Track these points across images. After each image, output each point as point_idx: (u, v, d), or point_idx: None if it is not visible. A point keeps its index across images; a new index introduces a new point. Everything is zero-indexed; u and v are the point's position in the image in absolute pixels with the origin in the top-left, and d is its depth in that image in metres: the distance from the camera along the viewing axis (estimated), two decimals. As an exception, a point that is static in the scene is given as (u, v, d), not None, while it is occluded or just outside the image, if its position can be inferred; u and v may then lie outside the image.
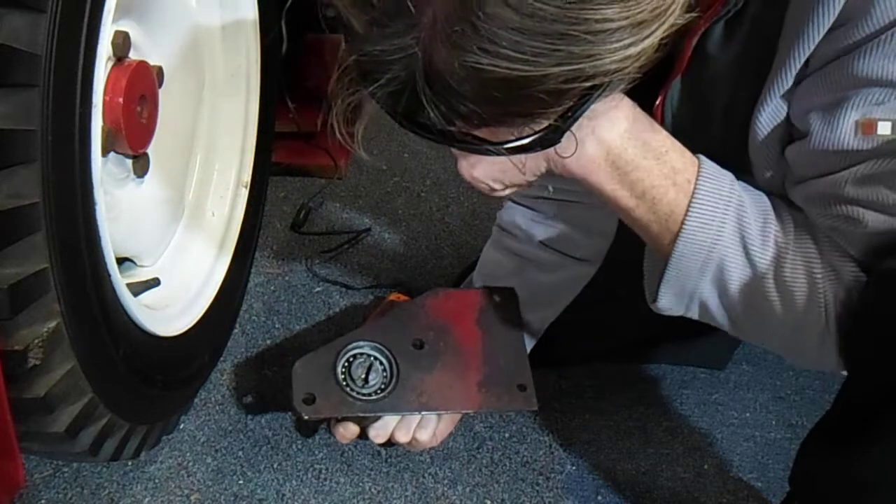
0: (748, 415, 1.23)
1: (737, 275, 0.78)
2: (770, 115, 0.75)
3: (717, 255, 0.77)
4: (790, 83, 0.73)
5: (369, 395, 1.00)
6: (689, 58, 0.78)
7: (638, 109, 0.78)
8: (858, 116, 0.69)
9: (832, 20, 0.67)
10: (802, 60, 0.71)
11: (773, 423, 1.22)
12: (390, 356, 1.02)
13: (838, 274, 0.77)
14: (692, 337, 1.24)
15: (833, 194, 0.74)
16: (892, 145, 0.68)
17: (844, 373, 0.89)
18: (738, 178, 0.80)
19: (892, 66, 0.65)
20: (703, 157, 0.79)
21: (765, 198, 0.80)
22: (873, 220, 0.73)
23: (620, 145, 0.77)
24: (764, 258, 0.77)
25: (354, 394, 1.00)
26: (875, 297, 0.79)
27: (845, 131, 0.70)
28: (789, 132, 0.77)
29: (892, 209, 0.71)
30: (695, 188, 0.77)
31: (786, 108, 0.75)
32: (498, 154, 0.69)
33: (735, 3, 0.72)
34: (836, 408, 0.88)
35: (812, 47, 0.69)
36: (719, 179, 0.78)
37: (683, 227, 0.77)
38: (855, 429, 0.82)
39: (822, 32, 0.68)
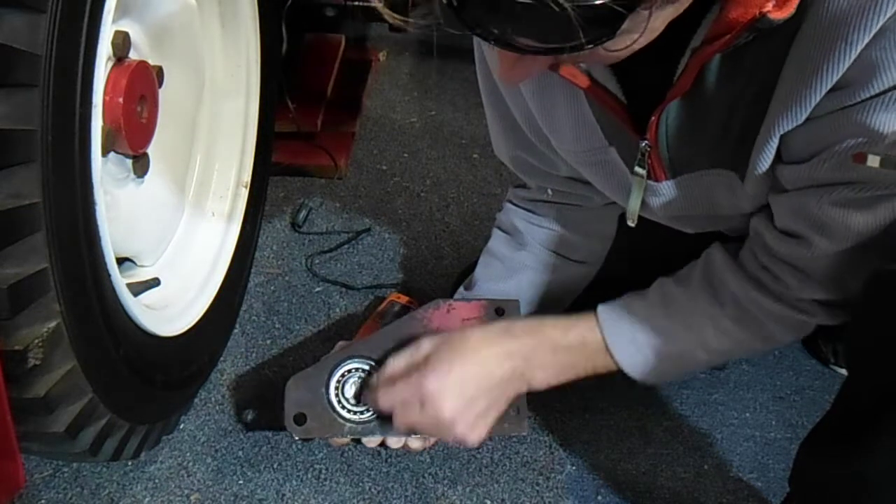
0: (748, 415, 1.23)
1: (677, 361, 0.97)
2: (770, 148, 0.81)
3: (650, 354, 0.96)
4: (791, 127, 0.78)
5: (361, 412, 1.00)
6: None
7: (544, 332, 0.98)
8: (854, 151, 0.76)
9: (832, 83, 0.73)
10: (805, 114, 0.77)
11: (773, 423, 1.22)
12: None
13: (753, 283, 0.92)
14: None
15: (807, 210, 0.83)
16: (874, 174, 0.76)
17: (845, 372, 0.90)
18: (722, 173, 0.88)
19: (888, 120, 0.73)
20: (598, 312, 0.97)
21: (655, 306, 0.97)
22: (823, 247, 0.83)
23: (556, 358, 0.97)
24: (682, 339, 0.95)
25: (345, 412, 1.00)
26: (874, 296, 0.79)
27: (841, 162, 0.77)
28: (779, 155, 0.83)
29: (849, 237, 0.81)
30: (607, 344, 0.96)
31: (777, 141, 0.81)
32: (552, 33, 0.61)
33: (746, 37, 0.73)
34: (836, 408, 0.88)
35: (815, 103, 0.75)
36: (618, 326, 0.96)
37: (619, 365, 0.97)
38: (855, 429, 0.82)
39: (824, 92, 0.74)
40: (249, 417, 1.15)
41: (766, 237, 0.90)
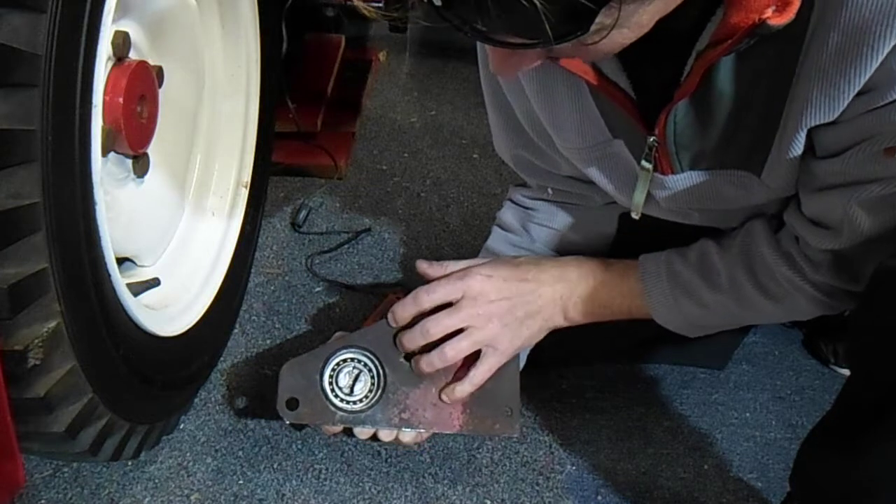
0: (748, 415, 1.23)
1: (709, 312, 1.00)
2: (797, 142, 0.82)
3: (685, 311, 1.01)
4: (821, 122, 0.79)
5: (353, 403, 1.01)
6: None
7: (587, 266, 1.03)
8: (885, 146, 0.77)
9: (861, 86, 0.74)
10: (837, 112, 0.77)
11: (773, 423, 1.22)
12: (379, 366, 1.02)
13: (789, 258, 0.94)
14: (692, 337, 1.24)
15: (837, 210, 0.84)
16: None
17: (845, 372, 0.91)
18: (734, 173, 0.89)
19: None
20: (641, 261, 1.02)
21: (693, 267, 1.00)
22: (852, 239, 0.84)
23: (597, 291, 1.02)
24: (715, 292, 0.98)
25: (338, 401, 1.01)
26: (877, 294, 0.79)
27: (871, 156, 0.78)
28: (813, 150, 0.84)
29: (880, 233, 0.82)
30: (644, 287, 1.01)
31: (805, 134, 0.81)
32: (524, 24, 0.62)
33: (748, 42, 0.73)
34: (836, 408, 0.88)
35: (845, 103, 0.76)
36: (657, 279, 1.01)
37: (651, 310, 1.02)
38: (856, 429, 0.82)
39: (853, 94, 0.75)
40: (241, 405, 1.15)
41: (797, 229, 0.91)
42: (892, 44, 0.70)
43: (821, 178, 0.84)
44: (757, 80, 0.79)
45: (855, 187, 0.81)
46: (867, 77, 0.73)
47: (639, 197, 0.95)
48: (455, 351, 0.99)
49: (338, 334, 1.05)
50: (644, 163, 0.91)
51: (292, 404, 1.00)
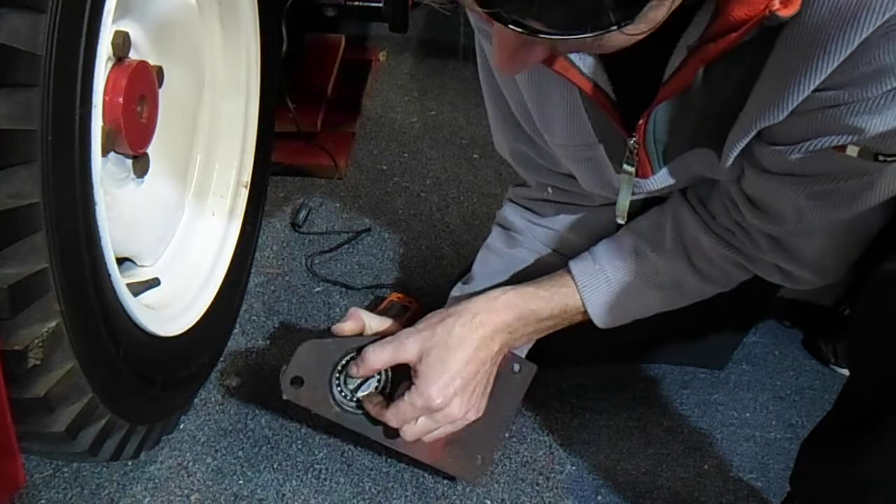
0: (748, 415, 1.23)
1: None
2: (747, 139, 0.84)
3: (623, 319, 1.05)
4: (770, 124, 0.80)
5: (353, 402, 1.01)
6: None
7: (527, 306, 1.03)
8: (836, 144, 0.78)
9: (812, 88, 0.74)
10: (785, 114, 0.78)
11: (773, 423, 1.22)
12: (389, 376, 1.02)
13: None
14: (692, 337, 1.24)
15: (783, 199, 0.86)
16: (851, 163, 0.78)
17: (845, 372, 0.91)
18: (700, 151, 0.89)
19: (874, 121, 0.74)
20: (576, 277, 1.04)
21: (631, 272, 1.03)
22: (794, 229, 0.89)
23: (537, 327, 1.05)
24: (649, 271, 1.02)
25: (339, 395, 1.01)
26: (875, 298, 0.79)
27: (821, 151, 0.79)
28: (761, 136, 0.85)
29: (821, 225, 0.87)
30: (587, 308, 1.04)
31: (755, 133, 0.83)
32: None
33: (750, 34, 0.74)
34: (837, 408, 0.89)
35: (794, 105, 0.77)
36: (597, 293, 1.03)
37: (596, 323, 1.05)
38: (856, 429, 0.83)
39: (803, 96, 0.75)
40: (235, 383, 1.15)
41: (739, 205, 0.93)
42: (848, 51, 0.70)
43: (766, 163, 0.85)
44: (730, 74, 0.79)
45: (803, 179, 0.83)
46: (821, 79, 0.73)
47: (623, 201, 0.95)
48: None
49: (351, 310, 1.05)
50: (626, 166, 0.91)
51: (297, 382, 1.00)
